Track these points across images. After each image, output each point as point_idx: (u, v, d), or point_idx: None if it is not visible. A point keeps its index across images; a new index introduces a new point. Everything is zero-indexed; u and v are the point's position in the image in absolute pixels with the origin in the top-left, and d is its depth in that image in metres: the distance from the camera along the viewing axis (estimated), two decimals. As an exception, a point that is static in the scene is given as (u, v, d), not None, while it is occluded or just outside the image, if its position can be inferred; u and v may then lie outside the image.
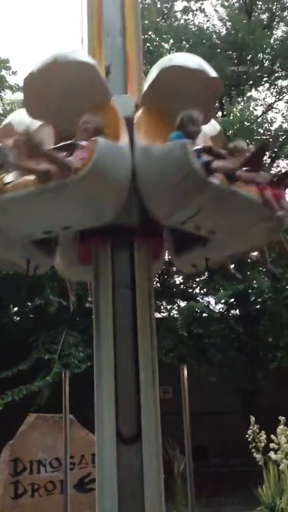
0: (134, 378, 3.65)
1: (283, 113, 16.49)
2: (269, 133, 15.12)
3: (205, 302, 14.58)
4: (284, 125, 16.17)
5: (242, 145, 3.93)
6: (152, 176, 3.49)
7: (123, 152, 3.46)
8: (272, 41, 15.58)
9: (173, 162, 3.28)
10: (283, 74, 15.87)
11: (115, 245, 3.90)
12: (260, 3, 16.40)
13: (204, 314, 13.30)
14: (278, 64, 15.68)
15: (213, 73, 3.68)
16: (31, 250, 3.97)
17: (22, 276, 11.33)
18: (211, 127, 4.35)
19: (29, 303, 12.57)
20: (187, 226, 3.61)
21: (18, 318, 13.64)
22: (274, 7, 16.18)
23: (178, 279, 16.16)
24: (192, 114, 3.54)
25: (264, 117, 15.98)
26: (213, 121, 4.41)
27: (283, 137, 15.33)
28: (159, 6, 16.74)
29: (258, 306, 14.84)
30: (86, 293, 5.16)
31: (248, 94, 15.55)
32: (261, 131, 15.21)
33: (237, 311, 15.79)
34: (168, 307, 14.68)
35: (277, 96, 16.45)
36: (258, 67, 15.73)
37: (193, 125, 3.52)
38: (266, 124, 15.50)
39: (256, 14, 16.41)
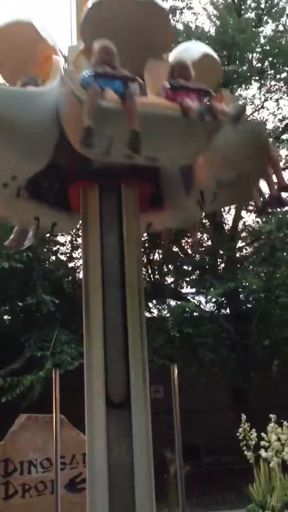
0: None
1: (273, 112, 16.58)
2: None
3: (196, 301, 14.58)
4: (274, 124, 16.27)
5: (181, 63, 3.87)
6: (67, 114, 3.54)
7: (39, 96, 3.55)
8: (261, 40, 15.60)
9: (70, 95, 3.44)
10: (272, 73, 15.91)
11: (103, 187, 3.99)
12: (249, 0, 16.42)
13: (195, 314, 13.32)
14: (267, 64, 15.72)
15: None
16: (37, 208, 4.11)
17: (13, 274, 11.38)
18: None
19: (20, 303, 12.53)
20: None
21: (9, 317, 13.59)
22: (263, 5, 16.21)
23: (169, 279, 16.20)
24: (104, 42, 3.61)
25: (254, 116, 16.04)
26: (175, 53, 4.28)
27: (273, 136, 15.39)
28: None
29: (249, 305, 14.91)
30: (79, 292, 5.14)
31: (238, 93, 15.55)
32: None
33: (228, 311, 15.82)
34: (159, 307, 14.67)
35: (267, 95, 16.50)
36: (247, 66, 15.76)
37: (106, 54, 3.57)
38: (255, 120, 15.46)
39: (245, 12, 16.42)
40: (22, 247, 4.90)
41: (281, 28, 16.07)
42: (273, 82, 16.22)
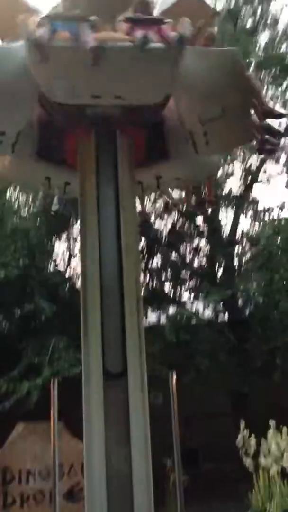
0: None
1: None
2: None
3: (194, 309, 14.56)
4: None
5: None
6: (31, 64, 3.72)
7: (7, 52, 3.83)
8: (256, 49, 15.69)
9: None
10: (268, 81, 15.99)
11: (98, 135, 4.19)
12: (244, 9, 16.53)
13: (193, 321, 13.30)
14: (263, 72, 15.79)
15: None
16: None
17: (10, 281, 11.35)
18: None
19: (19, 310, 12.47)
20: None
21: (6, 325, 13.55)
22: (258, 13, 16.32)
23: (167, 286, 16.19)
24: None
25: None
26: None
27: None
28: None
29: (248, 311, 14.90)
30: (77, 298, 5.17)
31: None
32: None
33: (226, 317, 15.80)
34: (157, 313, 14.64)
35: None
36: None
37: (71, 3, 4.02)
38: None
39: (240, 21, 16.53)
40: (51, 212, 5.34)
41: (276, 34, 16.17)
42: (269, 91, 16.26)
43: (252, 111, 4.06)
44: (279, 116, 4.15)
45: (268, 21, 16.17)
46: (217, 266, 15.90)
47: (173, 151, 4.64)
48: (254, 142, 4.43)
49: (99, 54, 3.41)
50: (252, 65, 15.78)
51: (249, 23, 16.30)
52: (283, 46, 15.77)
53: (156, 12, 4.21)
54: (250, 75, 4.09)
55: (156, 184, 4.91)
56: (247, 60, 15.67)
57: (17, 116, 3.98)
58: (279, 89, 15.91)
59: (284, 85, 15.94)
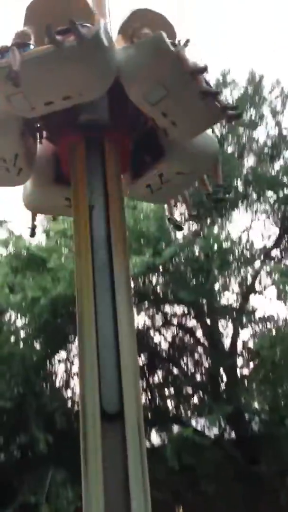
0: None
1: (262, 234, 17.28)
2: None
3: (199, 427, 13.97)
4: (261, 244, 16.89)
5: None
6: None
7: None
8: (244, 170, 16.79)
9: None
10: (257, 198, 16.88)
11: (88, 141, 4.59)
12: (230, 136, 17.90)
13: (195, 441, 12.69)
14: (251, 190, 16.75)
15: None
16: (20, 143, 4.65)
17: (4, 412, 10.96)
18: None
19: (15, 439, 11.93)
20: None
21: (2, 456, 12.89)
22: (243, 140, 17.63)
23: (170, 404, 15.67)
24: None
25: (242, 236, 16.72)
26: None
27: (262, 257, 15.91)
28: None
29: (255, 428, 14.28)
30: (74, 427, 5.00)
31: (225, 217, 16.37)
32: (240, 250, 15.85)
33: (233, 433, 15.09)
34: (160, 435, 14.01)
35: (253, 217, 17.33)
36: (233, 192, 16.76)
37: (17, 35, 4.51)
38: (245, 244, 16.17)
39: (227, 146, 17.83)
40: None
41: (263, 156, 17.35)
42: (258, 205, 17.11)
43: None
44: (216, 93, 4.51)
45: (253, 146, 17.39)
46: (219, 378, 15.52)
47: (166, 146, 4.93)
48: None
49: (13, 76, 3.94)
50: (240, 183, 16.88)
51: (235, 147, 17.54)
52: (269, 166, 16.82)
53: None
54: (178, 54, 4.34)
55: (160, 180, 5.04)
56: (236, 181, 16.76)
57: (9, 139, 4.54)
58: (267, 204, 16.78)
59: (272, 200, 16.82)
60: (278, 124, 17.19)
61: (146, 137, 5.02)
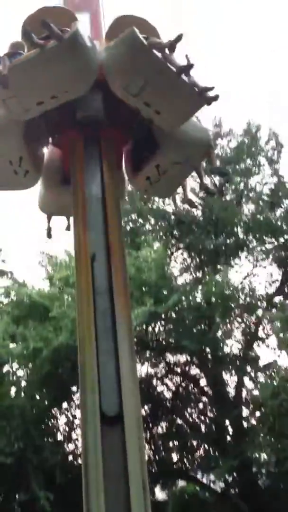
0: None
1: (266, 280, 17.30)
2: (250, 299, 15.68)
3: (204, 479, 13.51)
4: (263, 290, 16.88)
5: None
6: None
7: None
8: (244, 217, 17.03)
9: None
10: (257, 244, 17.03)
11: (87, 137, 4.91)
12: (229, 185, 18.27)
13: (200, 496, 12.23)
14: (251, 236, 16.92)
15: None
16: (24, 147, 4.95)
17: (5, 467, 10.56)
18: None
19: (16, 495, 11.49)
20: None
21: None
22: (242, 188, 17.98)
23: (175, 456, 15.23)
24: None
25: (244, 283, 16.74)
26: None
27: (265, 302, 15.87)
28: (139, 192, 18.39)
29: (262, 481, 13.80)
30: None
31: (226, 264, 16.44)
32: (242, 296, 15.84)
33: (240, 487, 14.56)
34: (164, 490, 13.52)
35: (254, 264, 17.42)
36: (233, 239, 16.94)
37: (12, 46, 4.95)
38: (247, 290, 16.19)
39: (227, 194, 18.17)
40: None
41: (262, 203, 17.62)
42: (259, 252, 17.22)
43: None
44: (190, 66, 4.62)
45: (251, 194, 17.71)
46: (225, 429, 15.13)
47: (160, 138, 5.14)
48: None
49: (1, 80, 4.34)
50: (240, 230, 17.09)
51: (234, 195, 17.86)
52: (269, 214, 17.05)
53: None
54: (150, 43, 4.57)
55: (157, 173, 5.24)
56: (236, 228, 16.96)
57: (12, 143, 4.83)
58: (265, 247, 16.93)
59: (271, 246, 16.96)
60: (276, 172, 17.60)
61: (141, 132, 5.28)
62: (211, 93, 4.70)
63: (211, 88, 4.67)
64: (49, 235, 6.11)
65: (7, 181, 5.33)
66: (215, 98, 4.71)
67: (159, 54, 4.49)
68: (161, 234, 17.08)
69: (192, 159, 5.34)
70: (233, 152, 17.91)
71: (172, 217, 17.01)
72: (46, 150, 5.60)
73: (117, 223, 4.90)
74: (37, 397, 12.20)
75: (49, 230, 6.08)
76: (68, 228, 6.00)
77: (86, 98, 4.85)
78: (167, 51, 4.51)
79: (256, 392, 14.74)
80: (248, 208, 17.69)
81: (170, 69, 4.52)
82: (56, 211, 6.07)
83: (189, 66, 4.58)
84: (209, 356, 15.41)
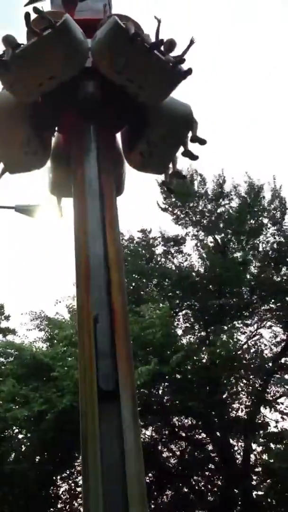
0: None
1: (270, 341, 17.08)
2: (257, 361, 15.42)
3: None
4: (270, 351, 16.62)
5: None
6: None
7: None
8: (248, 276, 17.04)
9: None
10: (261, 304, 16.95)
11: (85, 117, 5.51)
12: (232, 244, 18.42)
13: None
14: (256, 296, 16.87)
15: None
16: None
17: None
18: None
19: None
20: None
21: None
22: (247, 247, 18.09)
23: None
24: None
25: (250, 343, 16.54)
26: None
27: (271, 363, 15.59)
28: (142, 251, 18.63)
29: None
30: None
31: (231, 324, 16.28)
32: (248, 356, 15.59)
33: None
34: None
35: (259, 324, 17.26)
36: (238, 299, 16.87)
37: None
38: (252, 350, 15.96)
39: (230, 253, 18.27)
40: None
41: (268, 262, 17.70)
42: (263, 312, 17.12)
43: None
44: (160, 42, 5.16)
45: (256, 253, 17.80)
46: (233, 496, 14.42)
47: (147, 114, 5.65)
48: None
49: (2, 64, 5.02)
50: (244, 289, 17.08)
51: (239, 254, 17.95)
52: (274, 273, 17.07)
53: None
54: (127, 25, 5.19)
55: (148, 147, 5.74)
56: (240, 287, 16.94)
57: (20, 124, 5.50)
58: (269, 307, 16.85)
59: (274, 306, 16.88)
60: (281, 231, 17.76)
61: (134, 115, 5.78)
62: (184, 67, 5.28)
63: (182, 61, 5.26)
64: (60, 215, 6.45)
65: (19, 163, 5.87)
66: (189, 71, 5.29)
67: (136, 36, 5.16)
68: (164, 294, 17.02)
69: (177, 132, 5.88)
70: (236, 212, 18.19)
71: (173, 279, 17.09)
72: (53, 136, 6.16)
73: (121, 282, 4.89)
74: (39, 462, 11.73)
75: (60, 209, 6.44)
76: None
77: (83, 83, 5.53)
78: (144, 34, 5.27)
79: (264, 457, 14.18)
80: (252, 267, 17.77)
81: (145, 46, 5.18)
82: (66, 193, 6.45)
83: (160, 42, 5.19)
84: (215, 419, 14.96)
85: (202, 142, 5.82)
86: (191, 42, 5.31)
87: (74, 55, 5.40)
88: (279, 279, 17.10)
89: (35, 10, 5.27)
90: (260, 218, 18.00)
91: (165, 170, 6.72)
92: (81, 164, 5.42)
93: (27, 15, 5.37)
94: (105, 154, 5.51)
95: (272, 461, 12.82)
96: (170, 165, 6.26)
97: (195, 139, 5.86)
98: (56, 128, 6.04)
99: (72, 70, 5.42)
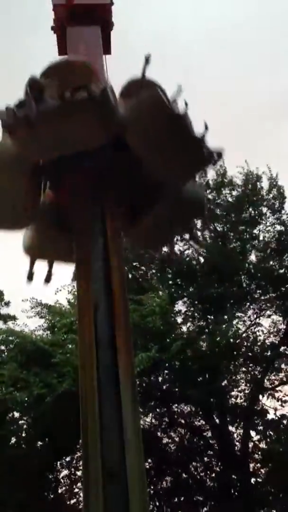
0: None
1: (269, 330, 17.18)
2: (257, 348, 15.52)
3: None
4: (270, 339, 16.73)
5: None
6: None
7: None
8: (247, 265, 17.09)
9: None
10: (261, 293, 17.02)
11: (95, 186, 4.94)
12: (232, 234, 18.42)
13: None
14: (255, 285, 16.93)
15: None
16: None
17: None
18: None
19: None
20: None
21: None
22: (245, 237, 18.11)
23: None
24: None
25: (249, 332, 16.64)
26: None
27: (270, 352, 15.69)
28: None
29: None
30: None
31: (231, 313, 16.36)
32: (247, 344, 15.71)
33: None
34: None
35: (259, 313, 17.35)
36: (237, 288, 16.94)
37: None
38: (251, 339, 16.06)
39: (229, 243, 18.29)
40: None
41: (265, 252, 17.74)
42: (262, 301, 17.20)
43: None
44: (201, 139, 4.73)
45: (255, 243, 17.83)
46: (231, 482, 14.62)
47: (160, 191, 5.20)
48: None
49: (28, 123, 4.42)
50: (243, 278, 17.13)
51: (237, 244, 17.97)
52: (271, 263, 17.12)
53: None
54: (170, 108, 4.65)
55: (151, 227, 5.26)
56: (240, 276, 16.99)
57: (18, 179, 4.93)
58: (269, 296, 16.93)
59: (274, 295, 16.96)
60: (280, 220, 17.75)
61: (143, 184, 5.32)
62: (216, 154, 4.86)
63: (220, 155, 4.83)
64: (30, 278, 5.74)
65: (5, 219, 5.36)
66: (220, 156, 4.87)
67: (178, 116, 4.68)
68: (164, 283, 17.09)
69: (185, 218, 5.52)
70: (235, 201, 18.17)
71: (174, 269, 17.14)
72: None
73: (121, 275, 4.91)
74: (40, 446, 11.89)
75: (31, 274, 5.74)
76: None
77: (104, 152, 5.00)
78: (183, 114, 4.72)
79: (262, 445, 14.36)
80: (252, 256, 17.82)
81: (187, 131, 4.71)
82: (45, 255, 6.12)
83: (204, 133, 4.75)
84: (215, 407, 15.12)
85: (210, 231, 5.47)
86: (220, 155, 4.84)
87: (107, 127, 4.77)
88: (279, 268, 17.15)
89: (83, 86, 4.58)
90: (260, 208, 18.00)
91: (161, 249, 6.47)
92: (87, 247, 4.80)
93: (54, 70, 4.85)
94: (113, 237, 4.85)
95: (271, 446, 12.95)
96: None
97: (205, 227, 5.49)
98: (52, 185, 5.46)
99: (96, 142, 4.83)
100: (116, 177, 5.21)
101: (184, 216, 5.55)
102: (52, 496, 12.94)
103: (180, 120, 4.77)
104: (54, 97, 4.69)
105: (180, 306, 17.38)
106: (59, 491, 13.54)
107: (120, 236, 5.25)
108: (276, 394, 15.26)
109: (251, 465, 15.12)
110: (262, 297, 17.08)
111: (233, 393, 15.44)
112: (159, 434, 15.84)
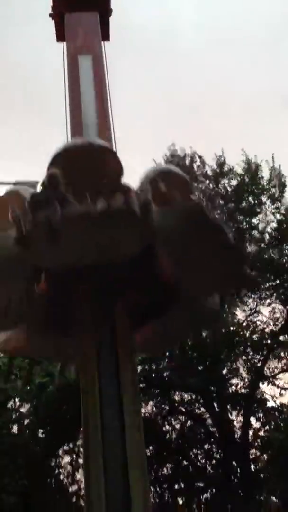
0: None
1: (269, 318, 17.21)
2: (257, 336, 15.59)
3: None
4: (269, 328, 16.78)
5: None
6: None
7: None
8: (247, 253, 17.06)
9: None
10: (261, 281, 17.01)
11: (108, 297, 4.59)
12: (231, 222, 18.36)
13: None
14: (256, 274, 16.90)
15: None
16: None
17: (7, 504, 10.35)
18: None
19: None
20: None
21: None
22: (244, 226, 18.05)
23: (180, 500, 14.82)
24: None
25: (249, 320, 16.69)
26: None
27: (270, 340, 15.76)
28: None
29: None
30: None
31: (231, 301, 16.39)
32: (247, 333, 15.75)
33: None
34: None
35: (259, 301, 17.37)
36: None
37: None
38: (251, 327, 16.11)
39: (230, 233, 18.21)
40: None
41: (264, 242, 17.71)
42: (263, 290, 17.21)
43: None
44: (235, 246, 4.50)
45: (254, 233, 17.80)
46: (232, 471, 14.77)
47: (174, 301, 4.75)
48: None
49: (52, 233, 3.90)
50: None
51: (237, 234, 17.88)
52: (270, 252, 17.10)
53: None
54: (213, 220, 4.30)
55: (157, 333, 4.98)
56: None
57: (15, 283, 4.35)
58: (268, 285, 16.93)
59: (274, 284, 16.97)
60: (280, 210, 17.67)
61: (155, 292, 4.82)
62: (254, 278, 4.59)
63: (257, 284, 4.52)
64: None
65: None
66: (256, 285, 4.53)
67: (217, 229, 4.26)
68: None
69: (196, 327, 5.26)
70: (234, 191, 18.10)
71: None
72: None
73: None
74: (41, 434, 11.98)
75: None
76: None
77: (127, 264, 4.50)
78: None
79: (261, 433, 14.47)
80: (252, 245, 17.76)
81: (228, 243, 4.30)
82: (26, 353, 5.65)
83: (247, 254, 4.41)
84: (215, 395, 15.22)
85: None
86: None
87: (143, 239, 4.20)
88: (279, 257, 17.12)
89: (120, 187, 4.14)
90: (260, 197, 17.91)
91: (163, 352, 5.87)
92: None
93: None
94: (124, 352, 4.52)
95: (271, 434, 13.06)
96: None
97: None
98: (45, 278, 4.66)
99: (132, 252, 4.26)
100: (132, 286, 4.69)
101: (195, 326, 5.29)
102: (54, 484, 13.08)
103: (220, 234, 4.22)
104: (70, 192, 4.07)
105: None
106: (61, 477, 13.67)
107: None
108: (276, 382, 15.37)
109: (251, 452, 15.26)
110: (262, 286, 17.09)
111: (233, 381, 15.52)
112: (159, 421, 15.97)
